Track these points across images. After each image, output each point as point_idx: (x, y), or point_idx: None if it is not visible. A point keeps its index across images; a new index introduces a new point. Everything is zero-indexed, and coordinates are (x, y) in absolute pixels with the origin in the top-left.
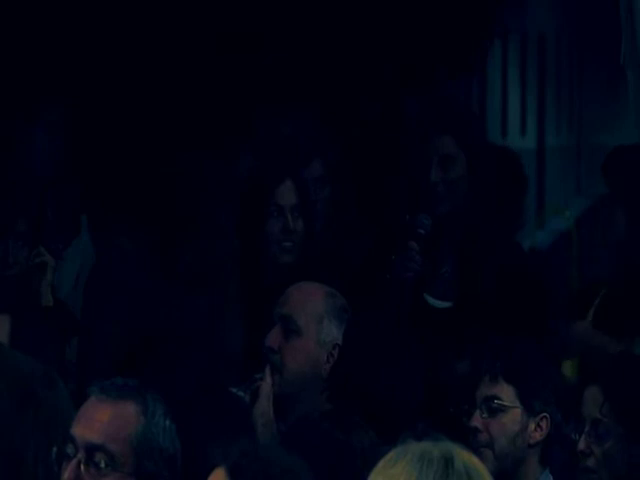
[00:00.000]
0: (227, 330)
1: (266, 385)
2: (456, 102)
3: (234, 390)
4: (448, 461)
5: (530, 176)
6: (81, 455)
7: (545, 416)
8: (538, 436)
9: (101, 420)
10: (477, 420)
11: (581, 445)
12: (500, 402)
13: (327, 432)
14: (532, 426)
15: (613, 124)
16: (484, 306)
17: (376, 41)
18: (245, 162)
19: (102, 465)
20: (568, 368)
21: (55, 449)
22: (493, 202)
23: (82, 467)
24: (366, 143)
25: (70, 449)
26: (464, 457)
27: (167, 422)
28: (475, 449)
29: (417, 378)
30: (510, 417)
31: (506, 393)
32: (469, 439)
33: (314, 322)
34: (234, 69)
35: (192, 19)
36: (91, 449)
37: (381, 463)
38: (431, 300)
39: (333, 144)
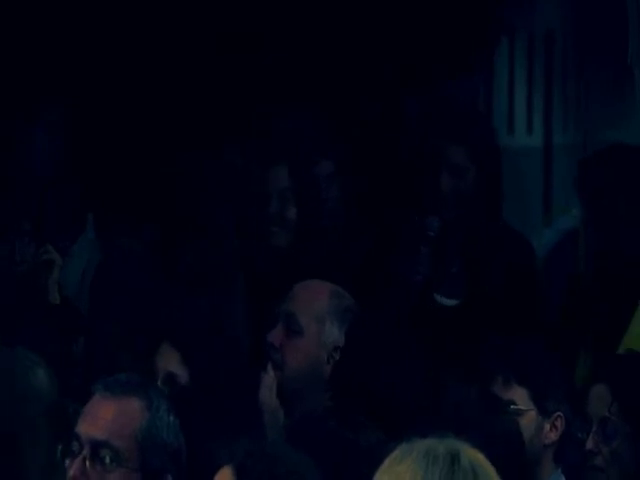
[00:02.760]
0: (229, 330)
1: (268, 377)
2: (464, 105)
3: None
4: (454, 458)
5: (537, 174)
6: (86, 452)
7: (560, 415)
8: (553, 436)
9: (105, 417)
10: None
11: (589, 444)
12: (516, 407)
13: (333, 430)
14: (547, 426)
15: (620, 122)
16: (493, 304)
17: (376, 41)
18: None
19: (107, 461)
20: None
21: (60, 447)
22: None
23: (87, 463)
24: (366, 143)
25: (75, 446)
26: (470, 454)
27: (171, 417)
28: None
29: (418, 378)
30: (526, 420)
31: (520, 396)
32: None
33: (316, 322)
34: (234, 69)
35: (192, 19)
36: (96, 445)
37: (387, 461)
38: (439, 298)
39: (337, 143)
